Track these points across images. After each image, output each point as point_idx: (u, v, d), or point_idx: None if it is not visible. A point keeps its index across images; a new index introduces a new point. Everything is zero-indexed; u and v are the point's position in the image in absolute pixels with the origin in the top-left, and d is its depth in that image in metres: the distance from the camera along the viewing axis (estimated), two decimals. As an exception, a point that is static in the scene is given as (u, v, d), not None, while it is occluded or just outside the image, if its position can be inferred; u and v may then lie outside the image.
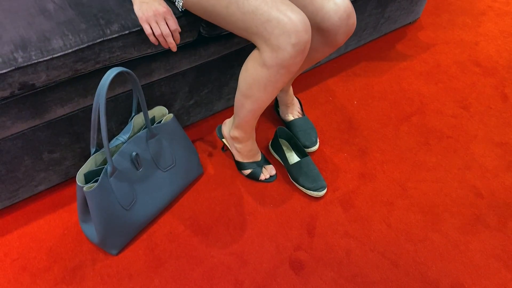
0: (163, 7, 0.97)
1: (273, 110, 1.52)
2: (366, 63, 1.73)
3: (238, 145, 1.24)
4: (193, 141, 1.40)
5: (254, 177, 1.29)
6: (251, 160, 1.28)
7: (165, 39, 0.99)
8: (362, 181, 1.31)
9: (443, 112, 1.53)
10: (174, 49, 1.02)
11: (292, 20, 0.85)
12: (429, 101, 1.57)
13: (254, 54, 0.97)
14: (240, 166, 1.29)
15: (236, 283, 1.08)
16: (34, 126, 1.05)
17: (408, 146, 1.41)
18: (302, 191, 1.27)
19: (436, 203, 1.26)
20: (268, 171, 1.29)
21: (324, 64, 1.71)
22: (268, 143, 1.41)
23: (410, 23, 1.93)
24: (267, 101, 1.04)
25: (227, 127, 1.26)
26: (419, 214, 1.23)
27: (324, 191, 1.25)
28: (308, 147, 1.36)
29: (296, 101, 1.43)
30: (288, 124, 1.42)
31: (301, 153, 1.31)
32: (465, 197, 1.27)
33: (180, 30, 1.01)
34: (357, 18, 1.59)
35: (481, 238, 1.18)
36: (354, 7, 1.51)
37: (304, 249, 1.15)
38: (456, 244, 1.16)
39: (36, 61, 0.89)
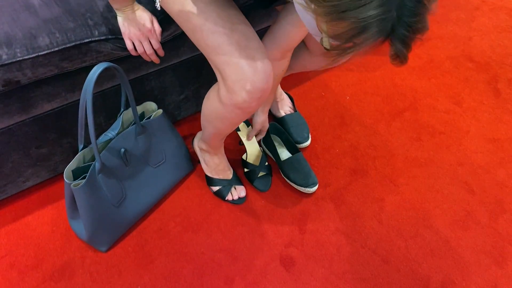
0: (147, 26, 0.95)
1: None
2: (359, 58, 1.72)
3: (206, 157, 1.22)
4: (184, 137, 1.39)
5: (220, 195, 1.23)
6: (220, 177, 1.23)
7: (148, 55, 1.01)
8: (353, 177, 1.31)
9: (435, 108, 1.53)
10: (157, 62, 1.04)
11: (252, 68, 0.81)
12: (421, 96, 1.57)
13: (216, 86, 0.94)
14: (208, 181, 1.25)
15: (227, 280, 1.07)
16: (21, 122, 1.03)
17: (400, 142, 1.41)
18: (293, 187, 1.26)
19: (427, 199, 1.26)
20: (237, 192, 1.23)
21: (317, 58, 1.70)
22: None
23: (403, 17, 1.92)
24: (226, 130, 1.02)
25: (197, 138, 1.26)
26: (410, 210, 1.23)
27: (316, 187, 1.24)
28: (300, 143, 1.35)
29: (285, 96, 1.42)
30: (280, 120, 1.41)
31: (292, 149, 1.30)
32: (457, 193, 1.27)
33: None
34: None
35: (472, 234, 1.18)
36: (347, 2, 1.50)
37: (295, 245, 1.14)
38: (447, 241, 1.16)
39: (21, 58, 0.87)
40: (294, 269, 1.10)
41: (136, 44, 0.97)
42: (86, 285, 1.05)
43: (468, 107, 1.54)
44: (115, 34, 0.97)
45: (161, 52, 1.03)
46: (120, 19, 0.95)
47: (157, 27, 0.98)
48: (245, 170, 1.28)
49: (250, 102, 0.85)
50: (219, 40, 0.81)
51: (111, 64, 0.90)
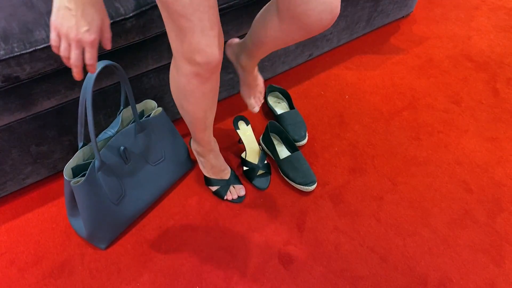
0: (93, 35, 0.68)
1: (264, 103, 1.51)
2: (358, 57, 1.72)
3: (201, 159, 1.22)
4: (183, 135, 1.39)
5: (219, 195, 1.23)
6: (218, 177, 1.23)
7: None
8: (352, 175, 1.31)
9: (434, 107, 1.53)
10: (78, 79, 0.74)
11: (212, 54, 0.84)
12: (420, 95, 1.57)
13: (173, 62, 0.94)
14: (207, 181, 1.25)
15: (226, 278, 1.08)
16: (20, 119, 1.03)
17: (399, 141, 1.41)
18: (292, 185, 1.27)
19: (425, 198, 1.26)
20: (236, 191, 1.23)
21: (316, 58, 1.70)
22: (259, 137, 1.40)
23: (403, 17, 1.92)
24: (197, 112, 1.00)
25: (192, 139, 1.26)
26: (408, 209, 1.23)
27: (314, 186, 1.24)
28: (297, 141, 1.36)
29: (260, 80, 1.27)
30: (278, 117, 1.41)
31: (291, 147, 1.31)
32: (455, 192, 1.28)
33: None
34: (350, 11, 1.57)
35: (469, 233, 1.19)
36: (347, 0, 1.50)
37: (293, 243, 1.15)
38: (445, 239, 1.17)
39: (18, 53, 0.88)
40: (292, 267, 1.10)
41: (63, 46, 0.69)
42: (86, 282, 1.06)
43: (467, 106, 1.54)
44: (112, 18, 0.96)
45: (93, 70, 0.74)
46: (56, 4, 0.66)
47: (107, 33, 0.73)
48: (244, 168, 1.29)
49: (205, 73, 0.87)
50: (186, 25, 0.80)
51: (111, 62, 0.90)
